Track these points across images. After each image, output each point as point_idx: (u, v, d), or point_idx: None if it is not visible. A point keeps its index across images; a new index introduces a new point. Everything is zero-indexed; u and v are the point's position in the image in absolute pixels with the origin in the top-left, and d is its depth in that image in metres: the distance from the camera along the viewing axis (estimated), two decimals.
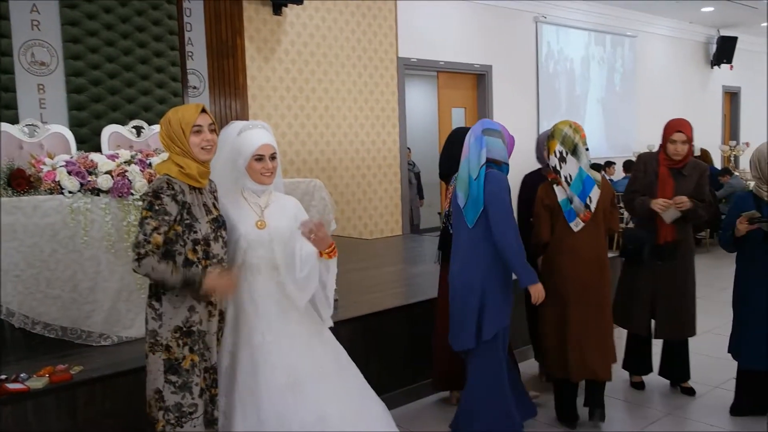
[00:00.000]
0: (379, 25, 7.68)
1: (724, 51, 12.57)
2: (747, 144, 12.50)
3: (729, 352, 3.56)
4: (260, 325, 2.42)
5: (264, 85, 6.76)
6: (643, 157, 3.91)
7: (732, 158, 11.97)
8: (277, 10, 6.74)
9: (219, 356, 2.41)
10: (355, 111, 7.56)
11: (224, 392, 2.41)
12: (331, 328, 2.67)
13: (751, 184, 3.71)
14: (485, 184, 2.99)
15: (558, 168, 3.27)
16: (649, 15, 11.15)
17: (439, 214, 7.90)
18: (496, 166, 3.04)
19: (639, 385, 3.99)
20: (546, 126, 8.83)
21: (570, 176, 3.25)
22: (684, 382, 3.93)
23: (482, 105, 8.98)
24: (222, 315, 2.41)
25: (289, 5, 6.74)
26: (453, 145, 3.48)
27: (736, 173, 10.15)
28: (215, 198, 2.43)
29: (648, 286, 3.74)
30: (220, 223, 2.38)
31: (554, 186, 3.29)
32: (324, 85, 7.26)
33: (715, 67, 12.88)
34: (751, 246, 3.36)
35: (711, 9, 10.80)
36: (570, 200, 3.26)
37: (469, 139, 3.09)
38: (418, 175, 8.67)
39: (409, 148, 8.43)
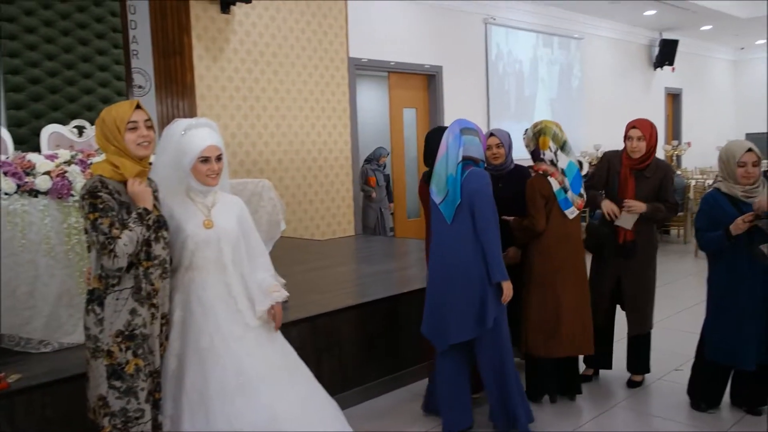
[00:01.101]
0: (329, 25, 7.65)
1: (665, 53, 12.97)
2: (689, 144, 12.94)
3: (707, 356, 3.52)
4: (208, 327, 2.38)
5: (212, 84, 6.66)
6: (607, 155, 4.02)
7: (674, 157, 12.36)
8: (225, 8, 6.64)
9: (165, 359, 2.36)
10: (306, 111, 7.51)
11: (171, 396, 2.36)
12: (282, 329, 2.64)
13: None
14: (468, 181, 3.11)
15: (555, 161, 3.56)
16: (593, 17, 11.43)
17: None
18: (474, 164, 3.18)
19: (587, 378, 4.07)
20: (497, 125, 8.98)
21: (563, 169, 3.57)
22: (638, 375, 4.02)
23: (433, 105, 9.04)
24: (166, 317, 2.36)
25: (238, 3, 6.65)
26: (432, 144, 3.57)
27: (678, 172, 10.49)
28: (156, 198, 2.37)
29: (610, 281, 3.88)
30: (161, 224, 2.33)
31: (548, 178, 3.55)
32: (274, 85, 7.19)
33: (658, 69, 13.28)
34: (736, 246, 3.32)
35: (653, 12, 11.14)
36: (565, 190, 3.55)
37: (447, 138, 3.20)
38: (387, 177, 8.49)
39: (388, 153, 8.42)
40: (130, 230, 2.18)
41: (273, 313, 2.51)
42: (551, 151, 3.57)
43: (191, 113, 6.26)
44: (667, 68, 13.25)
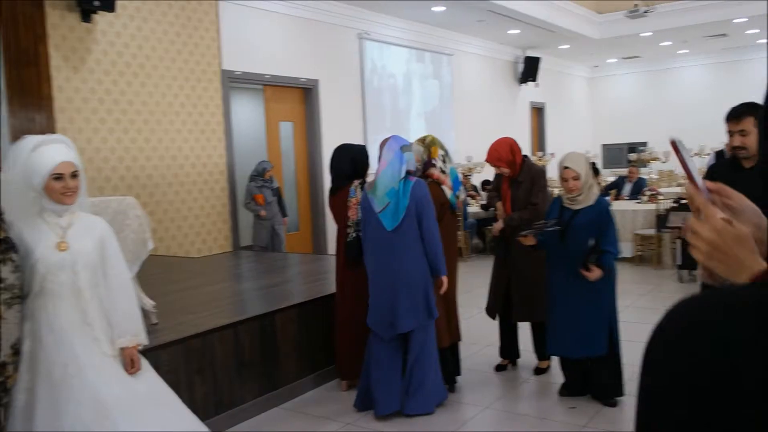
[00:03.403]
0: (200, 37, 7.46)
1: (529, 70, 13.78)
2: (552, 154, 13.79)
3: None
4: (61, 357, 2.23)
5: (73, 96, 6.28)
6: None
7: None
8: (86, 17, 6.29)
9: (13, 394, 2.18)
10: (178, 125, 7.26)
11: None
12: (147, 352, 2.53)
13: (556, 191, 4.19)
14: (415, 190, 3.55)
15: (444, 169, 3.98)
16: (462, 35, 11.94)
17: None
18: (408, 176, 3.62)
19: (500, 367, 4.48)
20: (374, 139, 9.13)
21: (448, 176, 4.01)
22: (544, 361, 4.39)
23: (310, 119, 9.05)
24: (16, 348, 2.19)
25: (100, 12, 6.33)
26: (339, 162, 4.18)
27: None
28: (2, 219, 2.21)
29: (501, 275, 4.33)
30: (9, 245, 2.16)
31: (441, 186, 3.93)
32: (142, 98, 6.89)
33: (523, 85, 14.07)
34: (551, 248, 3.77)
35: (517, 31, 11.80)
36: (452, 196, 3.98)
37: (387, 155, 3.61)
38: (278, 191, 7.87)
39: (271, 166, 7.92)
40: None
41: (130, 355, 2.39)
42: (440, 159, 4.00)
43: (49, 127, 5.86)
44: (531, 84, 14.08)
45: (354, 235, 4.00)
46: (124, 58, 6.71)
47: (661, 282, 7.20)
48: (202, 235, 7.50)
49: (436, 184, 3.93)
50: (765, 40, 14.46)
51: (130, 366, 2.36)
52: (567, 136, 15.98)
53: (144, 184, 6.91)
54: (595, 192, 3.73)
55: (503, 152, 4.15)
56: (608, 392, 3.79)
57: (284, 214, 7.92)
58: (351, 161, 4.11)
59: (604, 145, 17.12)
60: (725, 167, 3.25)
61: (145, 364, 2.47)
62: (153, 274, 5.16)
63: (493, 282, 4.41)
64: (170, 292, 4.81)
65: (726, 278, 0.94)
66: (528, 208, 4.14)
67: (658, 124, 16.08)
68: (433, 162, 3.98)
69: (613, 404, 3.76)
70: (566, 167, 3.68)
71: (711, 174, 3.32)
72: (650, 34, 12.80)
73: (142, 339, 2.42)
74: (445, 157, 4.06)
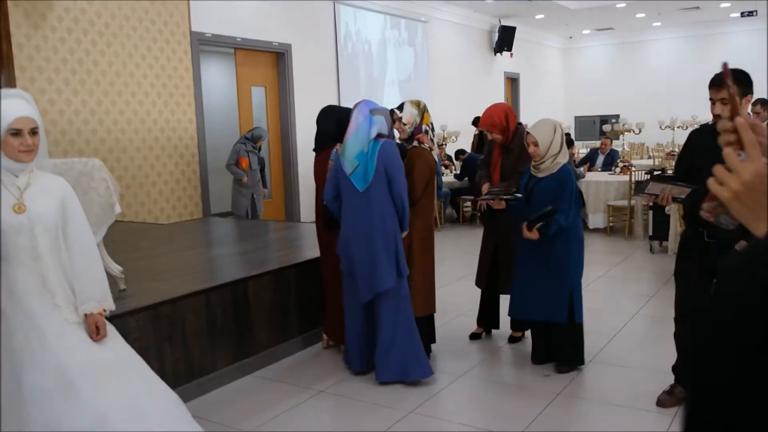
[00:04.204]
0: None
1: (504, 39, 13.67)
2: (526, 125, 13.79)
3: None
4: (22, 323, 2.12)
5: (34, 55, 6.01)
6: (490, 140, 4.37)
7: None
8: None
9: None
10: (146, 87, 7.02)
11: None
12: (114, 319, 2.43)
13: None
14: (384, 150, 3.51)
15: (432, 137, 3.95)
16: (438, 2, 11.75)
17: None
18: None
19: (474, 336, 4.47)
20: (349, 105, 8.96)
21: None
22: (518, 331, 4.39)
23: (283, 84, 8.85)
24: None
25: None
26: (324, 123, 4.14)
27: None
28: None
29: (491, 247, 4.29)
30: None
31: (431, 151, 3.91)
32: (107, 58, 6.64)
33: (498, 54, 13.97)
34: (517, 214, 3.84)
35: None
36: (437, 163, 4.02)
37: (357, 119, 3.57)
38: (262, 161, 7.54)
39: (267, 136, 7.67)
40: None
41: (95, 322, 2.28)
42: (430, 127, 3.95)
43: (10, 86, 5.61)
44: (506, 54, 13.98)
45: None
46: (87, 15, 6.43)
47: (633, 252, 7.26)
48: (171, 201, 7.33)
49: (425, 149, 3.89)
50: (738, 14, 14.55)
51: (95, 333, 2.25)
52: (541, 107, 15.96)
53: (111, 148, 6.69)
54: (560, 162, 3.66)
55: (498, 118, 4.07)
56: (568, 360, 3.79)
57: (265, 185, 7.69)
58: (336, 123, 4.04)
59: (577, 117, 17.17)
60: (705, 133, 3.23)
61: (111, 330, 2.36)
62: (120, 240, 5.01)
63: (481, 254, 4.40)
64: (139, 258, 4.68)
65: (736, 222, 0.90)
66: (515, 177, 4.06)
67: (631, 97, 16.17)
68: (425, 128, 3.94)
69: (565, 371, 3.78)
70: (527, 133, 3.69)
71: (690, 139, 3.29)
72: (625, 5, 12.77)
73: (108, 304, 2.31)
74: (429, 131, 4.01)
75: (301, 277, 4.35)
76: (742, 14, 14.53)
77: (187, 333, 3.61)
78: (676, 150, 9.97)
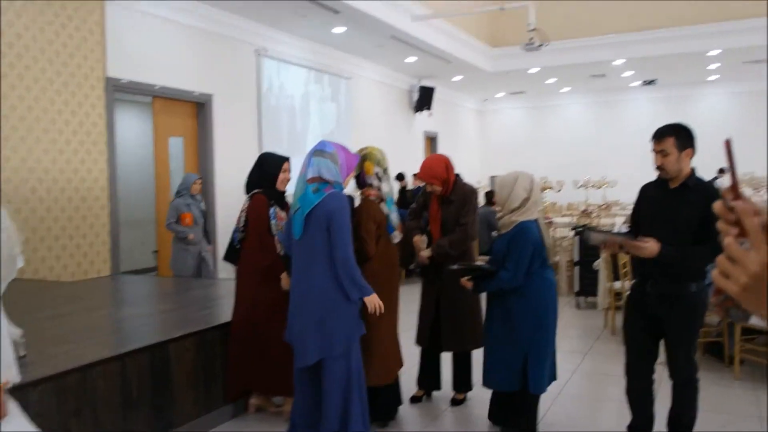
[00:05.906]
0: (83, 38, 6.78)
1: (424, 99, 13.92)
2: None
3: None
4: None
5: None
6: (424, 189, 4.24)
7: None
8: None
9: None
10: (53, 134, 6.51)
11: None
12: (18, 392, 2.02)
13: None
14: (325, 203, 3.14)
15: (380, 187, 3.63)
16: (360, 59, 11.85)
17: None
18: (330, 185, 3.19)
19: (414, 399, 4.17)
20: None
21: (385, 194, 3.69)
22: (460, 393, 4.15)
23: (203, 135, 8.49)
24: None
25: None
26: (258, 168, 3.93)
27: None
28: None
29: (433, 303, 4.04)
30: None
31: (380, 203, 3.63)
32: (11, 101, 6.11)
33: (417, 113, 14.18)
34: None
35: (414, 59, 11.87)
36: (388, 216, 3.64)
37: (305, 159, 3.32)
38: (205, 213, 6.99)
39: (200, 178, 7.12)
40: None
41: None
42: (376, 176, 3.70)
43: None
44: (425, 113, 14.22)
45: (237, 237, 3.90)
46: None
47: (559, 309, 7.26)
48: (76, 257, 6.72)
49: (373, 201, 3.67)
50: (639, 83, 15.56)
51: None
52: (459, 166, 16.25)
53: (9, 198, 6.09)
54: (515, 219, 3.47)
55: (438, 170, 3.95)
56: (514, 427, 3.59)
57: (209, 241, 7.09)
58: (258, 167, 3.81)
59: (492, 177, 17.61)
60: (654, 186, 3.26)
61: (14, 408, 1.95)
62: (17, 299, 4.46)
63: (421, 309, 4.14)
64: (40, 320, 4.16)
65: (748, 314, 0.85)
66: (457, 229, 3.93)
67: (543, 158, 16.80)
68: (368, 180, 3.70)
69: None
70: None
71: (642, 192, 3.32)
72: (537, 69, 13.35)
73: (11, 375, 1.91)
74: (384, 175, 3.76)
75: (228, 339, 3.98)
76: (644, 83, 15.54)
77: (98, 406, 3.14)
78: (589, 209, 10.30)
